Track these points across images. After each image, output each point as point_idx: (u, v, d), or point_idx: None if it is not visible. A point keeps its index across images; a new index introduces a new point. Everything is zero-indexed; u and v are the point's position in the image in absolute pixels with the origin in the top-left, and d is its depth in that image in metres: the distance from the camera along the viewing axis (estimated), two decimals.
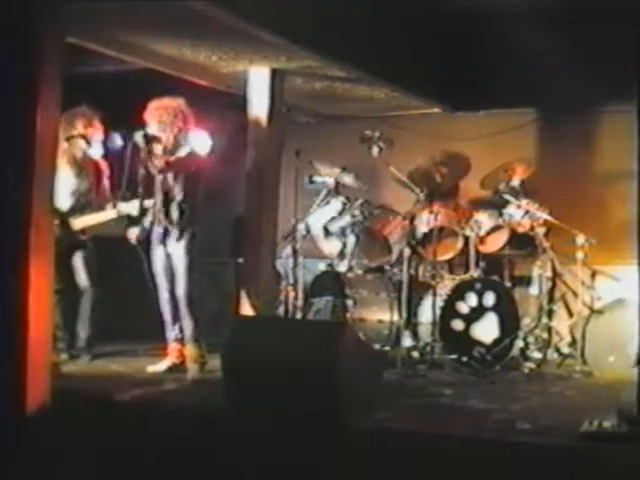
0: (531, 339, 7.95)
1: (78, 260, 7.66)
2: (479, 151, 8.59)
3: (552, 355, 8.02)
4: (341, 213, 8.19)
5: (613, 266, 8.49)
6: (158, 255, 7.17)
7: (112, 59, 7.58)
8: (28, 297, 5.15)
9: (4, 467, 4.91)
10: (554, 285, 8.42)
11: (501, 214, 8.15)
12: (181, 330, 7.19)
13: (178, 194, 7.06)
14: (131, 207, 7.17)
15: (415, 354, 7.76)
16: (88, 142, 7.61)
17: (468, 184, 8.69)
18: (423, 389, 6.81)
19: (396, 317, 7.85)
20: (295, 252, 8.05)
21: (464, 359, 7.48)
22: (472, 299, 7.72)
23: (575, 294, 8.23)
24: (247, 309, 7.76)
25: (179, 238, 7.07)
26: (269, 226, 8.05)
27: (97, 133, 7.66)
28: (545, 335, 8.04)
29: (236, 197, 8.67)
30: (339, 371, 5.39)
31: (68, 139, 7.49)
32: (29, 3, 5.18)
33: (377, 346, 7.54)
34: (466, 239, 8.08)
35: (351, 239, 8.14)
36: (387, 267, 8.25)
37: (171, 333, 7.26)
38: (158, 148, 6.99)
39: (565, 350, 8.08)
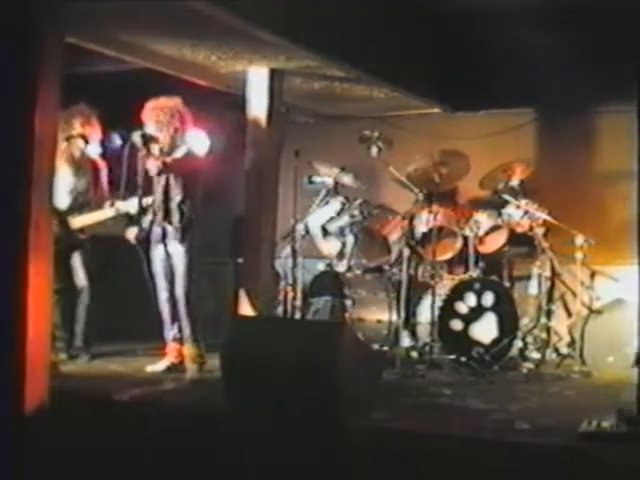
0: (530, 339, 7.96)
1: (77, 260, 7.66)
2: (478, 151, 8.59)
3: (551, 355, 8.04)
4: (340, 213, 8.20)
5: (612, 266, 8.49)
6: (157, 255, 7.17)
7: (111, 59, 7.58)
8: (27, 296, 5.15)
9: (2, 467, 4.91)
10: (553, 285, 8.44)
11: (500, 214, 8.15)
12: (180, 330, 7.19)
13: (177, 194, 7.07)
14: (129, 205, 7.18)
15: (414, 354, 7.76)
16: (86, 141, 7.61)
17: (467, 184, 8.68)
18: (422, 389, 6.81)
19: (395, 317, 7.86)
20: (294, 252, 8.06)
21: (463, 359, 7.48)
22: (471, 299, 7.72)
23: (574, 294, 8.23)
24: (246, 309, 7.76)
25: (178, 238, 7.06)
26: (268, 226, 8.05)
27: (95, 131, 7.66)
28: (544, 335, 8.05)
29: (235, 197, 8.67)
30: (338, 371, 5.39)
31: (67, 139, 7.49)
32: (29, 3, 5.19)
33: (376, 346, 7.53)
34: (465, 239, 8.08)
35: (350, 239, 8.15)
36: (386, 267, 8.25)
37: (170, 333, 7.26)
38: (156, 148, 6.99)
39: (564, 350, 8.09)
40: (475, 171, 8.24)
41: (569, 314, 8.50)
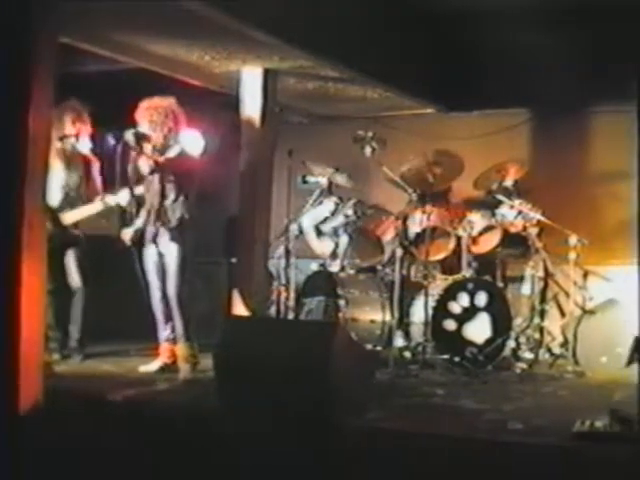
0: (523, 339, 7.96)
1: (71, 259, 7.65)
2: (472, 151, 8.59)
3: (544, 355, 8.04)
4: (334, 213, 8.20)
5: (605, 266, 8.50)
6: (150, 255, 7.16)
7: (105, 59, 7.57)
8: (20, 296, 5.14)
9: None
10: (546, 285, 8.44)
11: (494, 214, 8.15)
12: (173, 330, 7.19)
13: (171, 194, 7.06)
14: (120, 197, 7.17)
15: (407, 354, 7.76)
16: (78, 138, 7.63)
17: (461, 184, 8.69)
18: (415, 389, 6.81)
19: (388, 317, 7.87)
20: (288, 252, 8.06)
21: (456, 359, 7.49)
22: (464, 299, 7.72)
23: (567, 294, 8.24)
24: (239, 309, 7.75)
25: (171, 238, 7.06)
26: (262, 226, 8.05)
27: (86, 128, 7.66)
28: (537, 335, 8.05)
29: (229, 197, 8.68)
30: (331, 371, 5.39)
31: (61, 139, 7.50)
32: (24, 2, 5.18)
33: (369, 346, 7.55)
34: (458, 239, 8.08)
35: (343, 239, 8.15)
36: (379, 267, 8.26)
37: (163, 333, 7.25)
38: (148, 147, 6.99)
39: (557, 350, 8.09)
40: (469, 171, 8.24)
41: (562, 314, 8.51)
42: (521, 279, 8.30)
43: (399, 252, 7.83)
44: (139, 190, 7.08)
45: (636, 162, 5.51)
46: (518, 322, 8.03)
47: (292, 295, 8.18)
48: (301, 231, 8.27)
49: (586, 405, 6.12)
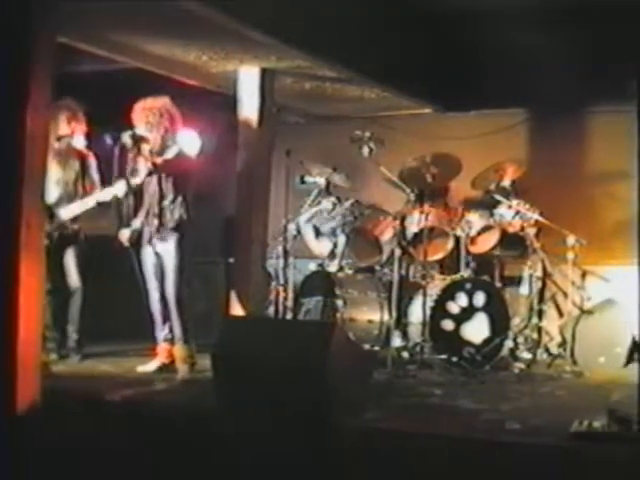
0: (521, 339, 7.96)
1: (70, 258, 7.64)
2: (470, 151, 8.59)
3: (542, 355, 8.04)
4: (332, 213, 8.19)
5: (603, 266, 8.51)
6: (148, 255, 7.16)
7: (102, 58, 7.57)
8: (18, 296, 5.14)
9: None
10: (544, 285, 8.45)
11: (492, 214, 8.15)
12: (171, 330, 7.19)
13: (168, 194, 7.06)
14: (116, 188, 7.13)
15: (405, 354, 7.76)
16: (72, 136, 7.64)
17: (459, 184, 8.69)
18: (413, 389, 6.81)
19: (386, 317, 7.87)
20: (285, 252, 8.06)
21: (454, 359, 7.49)
22: (462, 299, 7.72)
23: (565, 294, 8.26)
24: (237, 309, 7.75)
25: (169, 238, 7.06)
26: (259, 226, 8.04)
27: (81, 126, 7.66)
28: (535, 335, 8.06)
29: (227, 197, 8.67)
30: (329, 371, 5.38)
31: (59, 139, 7.49)
32: (23, 2, 5.17)
33: (367, 346, 7.55)
34: (457, 239, 8.08)
35: (341, 239, 8.14)
36: (377, 267, 8.26)
37: (161, 333, 7.25)
38: (146, 149, 6.99)
39: (555, 350, 8.10)
40: (467, 171, 8.24)
41: (560, 314, 8.52)
42: (519, 279, 8.30)
43: (397, 252, 7.83)
44: (137, 180, 7.05)
45: (636, 162, 5.50)
46: (516, 322, 8.03)
47: (290, 295, 8.19)
48: (299, 231, 8.28)
49: (584, 405, 6.12)
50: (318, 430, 5.12)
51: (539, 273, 8.19)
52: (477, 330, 7.67)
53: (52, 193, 7.44)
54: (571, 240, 7.93)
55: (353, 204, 8.15)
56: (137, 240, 7.17)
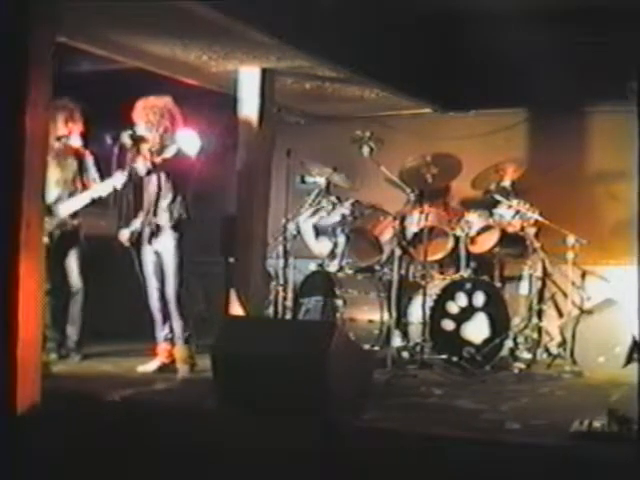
0: (521, 339, 7.97)
1: (72, 259, 7.63)
2: (470, 151, 8.59)
3: (542, 355, 8.05)
4: (332, 213, 8.19)
5: (603, 266, 8.51)
6: (148, 255, 7.16)
7: (102, 58, 7.57)
8: (18, 297, 5.14)
9: None
10: (544, 285, 8.45)
11: (492, 214, 8.15)
12: (171, 330, 7.19)
13: (168, 194, 7.06)
14: (115, 179, 7.10)
15: (405, 354, 7.76)
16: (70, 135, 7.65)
17: (459, 184, 8.69)
18: (413, 389, 6.81)
19: (386, 317, 7.86)
20: (286, 252, 8.06)
21: (454, 359, 7.48)
22: (462, 299, 7.72)
23: (565, 294, 8.25)
24: (237, 309, 7.75)
25: (169, 238, 7.06)
26: (260, 226, 8.04)
27: (78, 126, 7.66)
28: (535, 335, 8.06)
29: (227, 197, 8.67)
30: (329, 371, 5.38)
31: (58, 139, 7.49)
32: (23, 2, 5.17)
33: (367, 346, 7.54)
34: (456, 239, 8.07)
35: (341, 239, 8.14)
36: (377, 267, 8.25)
37: (161, 333, 7.25)
38: (145, 148, 6.99)
39: (555, 350, 8.10)
40: (467, 171, 8.24)
41: (560, 314, 8.52)
42: (519, 279, 8.31)
43: (397, 252, 7.83)
44: (134, 172, 7.04)
45: (636, 162, 5.50)
46: (516, 322, 8.04)
47: (290, 295, 8.19)
48: (299, 231, 8.28)
49: (584, 405, 6.12)
50: (318, 430, 5.12)
51: (539, 273, 8.20)
52: (477, 330, 7.67)
53: (51, 193, 7.44)
54: (571, 240, 7.92)
55: (353, 204, 8.14)
56: (137, 240, 7.17)
